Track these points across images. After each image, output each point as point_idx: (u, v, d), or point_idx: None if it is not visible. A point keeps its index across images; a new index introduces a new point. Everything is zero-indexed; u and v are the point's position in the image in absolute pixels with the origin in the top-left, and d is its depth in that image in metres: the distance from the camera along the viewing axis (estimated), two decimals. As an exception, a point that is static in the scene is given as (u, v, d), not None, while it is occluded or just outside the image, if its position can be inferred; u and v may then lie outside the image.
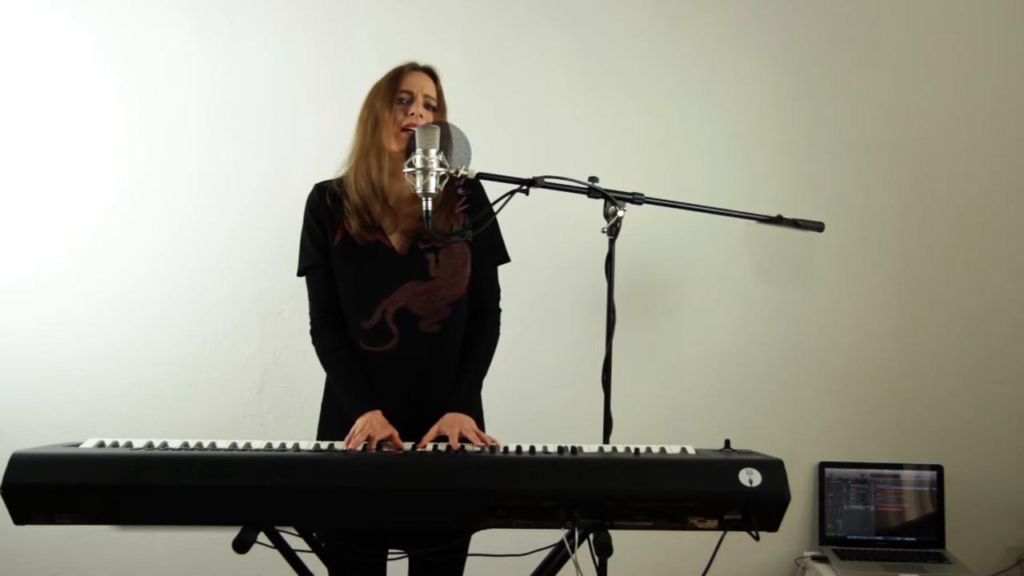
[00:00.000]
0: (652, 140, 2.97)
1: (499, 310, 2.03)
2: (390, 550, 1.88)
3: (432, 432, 1.80)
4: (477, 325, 1.98)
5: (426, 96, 1.91)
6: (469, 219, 1.94)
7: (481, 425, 1.98)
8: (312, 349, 1.96)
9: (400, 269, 1.89)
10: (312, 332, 1.96)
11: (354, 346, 1.91)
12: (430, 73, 1.95)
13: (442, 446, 1.73)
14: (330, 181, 1.97)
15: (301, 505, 1.51)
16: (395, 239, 1.91)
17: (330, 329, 1.93)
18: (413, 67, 1.94)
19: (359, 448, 1.69)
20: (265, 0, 2.92)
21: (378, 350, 1.89)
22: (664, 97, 2.98)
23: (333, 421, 1.92)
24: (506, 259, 2.03)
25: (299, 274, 1.98)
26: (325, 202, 1.93)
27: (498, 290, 2.03)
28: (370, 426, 1.75)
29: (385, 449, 1.72)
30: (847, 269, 2.99)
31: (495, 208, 1.89)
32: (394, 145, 1.88)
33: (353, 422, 1.80)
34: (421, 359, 1.90)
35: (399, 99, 1.90)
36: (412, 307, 1.88)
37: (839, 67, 3.00)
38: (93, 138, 2.88)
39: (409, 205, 1.91)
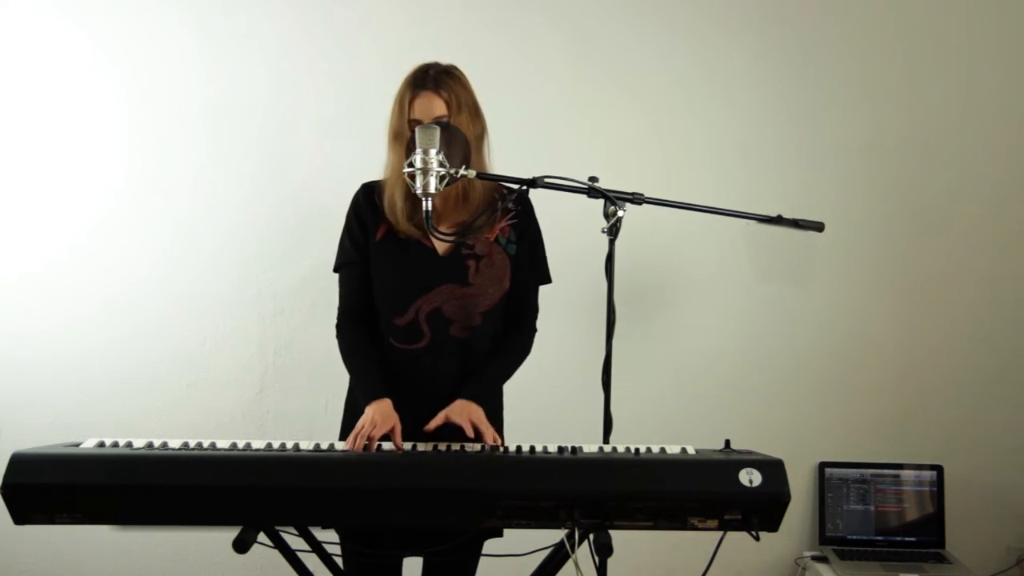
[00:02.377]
0: (652, 140, 2.97)
1: (535, 329, 2.04)
2: (402, 551, 1.87)
3: (440, 417, 1.80)
4: (510, 337, 2.00)
5: (436, 118, 1.84)
6: (515, 233, 1.96)
7: (500, 426, 1.98)
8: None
9: (440, 270, 1.90)
10: (337, 327, 1.98)
11: (382, 344, 1.92)
12: (436, 89, 1.86)
13: (442, 446, 1.73)
14: (378, 181, 1.96)
15: (301, 505, 1.51)
16: (438, 241, 1.91)
17: (355, 327, 1.95)
18: (417, 90, 1.86)
19: (360, 449, 1.69)
20: (264, 0, 2.92)
21: (408, 348, 1.90)
22: (664, 97, 2.98)
23: (354, 421, 1.91)
24: (548, 280, 2.04)
25: (334, 270, 2.00)
26: (371, 201, 1.94)
27: (536, 309, 2.04)
28: (371, 422, 1.74)
29: (386, 446, 1.72)
30: (847, 269, 2.99)
31: (497, 209, 1.90)
32: None
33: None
34: (447, 363, 1.91)
35: (411, 128, 1.85)
36: (446, 310, 1.89)
37: (839, 67, 2.99)
38: (93, 138, 2.88)
39: (453, 208, 1.92)
